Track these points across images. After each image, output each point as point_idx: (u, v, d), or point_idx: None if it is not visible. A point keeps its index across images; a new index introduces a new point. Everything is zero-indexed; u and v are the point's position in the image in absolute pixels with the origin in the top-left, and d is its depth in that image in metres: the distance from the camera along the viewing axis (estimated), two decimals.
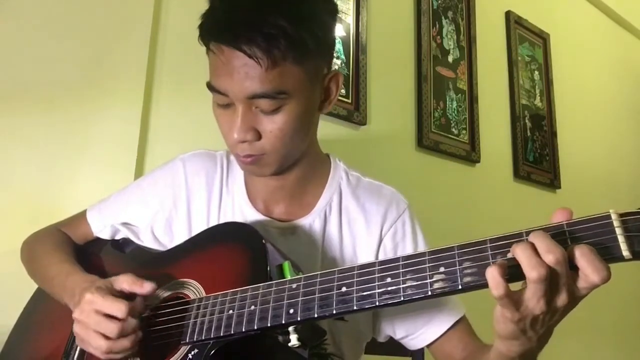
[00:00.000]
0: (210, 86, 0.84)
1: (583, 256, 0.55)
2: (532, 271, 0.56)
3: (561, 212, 0.60)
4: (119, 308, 0.76)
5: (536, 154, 2.56)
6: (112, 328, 0.75)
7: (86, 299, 0.77)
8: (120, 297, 0.78)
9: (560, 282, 0.57)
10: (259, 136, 0.84)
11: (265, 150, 0.85)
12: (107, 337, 0.75)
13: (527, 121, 2.56)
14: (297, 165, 0.94)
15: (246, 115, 0.82)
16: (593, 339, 2.61)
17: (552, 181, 2.60)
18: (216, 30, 0.81)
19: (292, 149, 0.88)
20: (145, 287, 0.79)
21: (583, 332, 2.47)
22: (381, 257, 0.95)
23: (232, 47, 0.78)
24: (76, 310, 0.79)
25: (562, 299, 0.58)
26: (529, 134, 2.56)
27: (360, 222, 0.97)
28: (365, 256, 0.96)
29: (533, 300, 0.58)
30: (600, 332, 2.66)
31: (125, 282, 0.80)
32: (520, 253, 0.56)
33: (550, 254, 0.55)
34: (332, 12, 0.90)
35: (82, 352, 0.86)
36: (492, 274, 0.56)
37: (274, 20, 0.77)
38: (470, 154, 2.22)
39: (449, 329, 0.93)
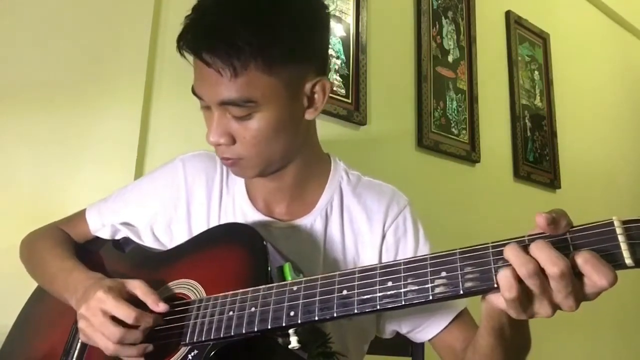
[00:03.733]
0: (192, 89, 0.86)
1: (587, 263, 0.55)
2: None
3: (539, 217, 0.59)
4: (128, 314, 0.76)
5: (536, 154, 2.56)
6: (114, 332, 0.75)
7: (97, 296, 0.77)
8: (131, 302, 0.78)
9: (567, 291, 0.57)
10: (233, 141, 0.84)
11: (241, 155, 0.86)
12: (110, 340, 0.75)
13: (527, 121, 2.56)
14: (293, 166, 0.94)
15: (221, 120, 0.83)
16: (594, 331, 2.62)
17: (552, 181, 2.60)
18: (185, 38, 0.82)
19: (271, 155, 0.88)
20: (160, 307, 0.79)
21: (584, 325, 2.48)
22: (384, 252, 0.96)
23: (195, 56, 0.80)
24: (83, 306, 0.78)
25: (569, 304, 0.58)
26: (529, 134, 2.56)
27: (362, 220, 0.97)
28: (368, 254, 0.96)
29: (539, 304, 0.59)
30: (601, 324, 2.67)
31: (138, 288, 0.80)
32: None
33: (555, 267, 0.55)
34: (316, 19, 0.88)
35: (82, 350, 0.86)
36: (505, 276, 0.57)
37: (237, 29, 0.77)
38: (470, 154, 2.22)
39: (451, 322, 0.94)
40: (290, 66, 0.82)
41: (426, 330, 0.95)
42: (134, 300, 0.79)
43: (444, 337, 0.95)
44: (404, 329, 0.98)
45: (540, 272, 0.57)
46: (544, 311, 0.59)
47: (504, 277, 0.57)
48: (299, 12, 0.84)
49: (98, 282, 0.82)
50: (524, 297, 0.58)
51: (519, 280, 0.57)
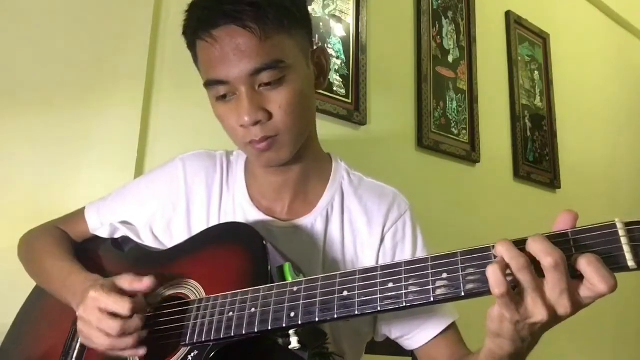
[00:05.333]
0: (208, 82, 0.85)
1: (590, 265, 0.54)
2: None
3: (566, 215, 0.59)
4: (122, 306, 0.76)
5: (536, 154, 2.56)
6: (114, 326, 0.76)
7: (91, 295, 0.78)
8: (125, 296, 0.78)
9: (561, 286, 0.56)
10: (269, 115, 0.83)
11: (279, 129, 0.85)
12: (109, 335, 0.76)
13: (527, 121, 2.56)
14: (300, 159, 0.94)
15: (252, 95, 0.82)
16: (593, 342, 2.61)
17: (552, 181, 2.60)
18: (206, 18, 0.82)
19: (301, 127, 0.88)
20: (144, 283, 0.80)
21: (583, 335, 2.47)
22: (381, 256, 0.96)
23: (223, 25, 0.80)
24: (80, 308, 0.79)
25: (563, 304, 0.57)
26: (529, 134, 2.55)
27: (362, 222, 0.97)
28: (367, 256, 0.96)
29: (532, 304, 0.57)
30: (600, 335, 2.66)
31: (125, 281, 0.81)
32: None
33: (549, 257, 0.55)
34: None
35: (82, 350, 0.87)
36: (494, 271, 0.56)
37: None
38: (470, 154, 2.22)
39: (440, 333, 0.93)
40: (303, 28, 0.87)
41: (415, 338, 0.94)
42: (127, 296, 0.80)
43: (430, 350, 0.94)
44: (393, 335, 0.97)
45: (532, 267, 0.56)
46: (539, 312, 0.57)
47: (491, 273, 0.56)
48: None
49: (93, 282, 0.82)
50: (517, 294, 0.58)
51: (510, 276, 0.56)
